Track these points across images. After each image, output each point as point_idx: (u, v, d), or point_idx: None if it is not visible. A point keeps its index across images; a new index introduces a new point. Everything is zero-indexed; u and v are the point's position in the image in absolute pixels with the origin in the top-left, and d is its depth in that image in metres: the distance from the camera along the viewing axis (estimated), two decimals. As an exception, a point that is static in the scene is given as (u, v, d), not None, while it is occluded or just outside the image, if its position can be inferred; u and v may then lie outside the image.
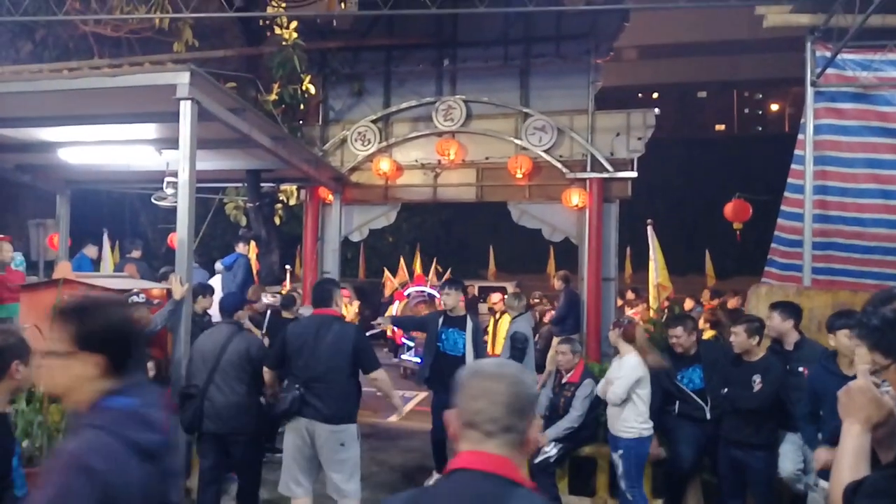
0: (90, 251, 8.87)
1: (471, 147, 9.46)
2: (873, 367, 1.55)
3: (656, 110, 9.16)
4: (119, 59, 9.11)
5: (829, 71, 6.75)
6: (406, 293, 12.85)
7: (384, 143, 9.70)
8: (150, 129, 6.54)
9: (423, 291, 12.98)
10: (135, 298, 4.99)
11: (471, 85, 9.56)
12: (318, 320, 4.70)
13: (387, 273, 13.86)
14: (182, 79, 5.21)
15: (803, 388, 4.58)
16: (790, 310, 5.05)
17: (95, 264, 9.26)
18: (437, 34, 9.61)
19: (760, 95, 45.81)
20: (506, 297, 8.35)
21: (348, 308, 11.58)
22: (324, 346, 4.55)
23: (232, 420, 4.76)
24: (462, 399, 1.56)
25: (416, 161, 9.64)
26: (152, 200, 7.33)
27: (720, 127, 44.75)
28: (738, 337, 4.83)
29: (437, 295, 12.43)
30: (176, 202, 5.63)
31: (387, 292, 13.71)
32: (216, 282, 8.52)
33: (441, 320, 6.22)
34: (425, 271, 14.18)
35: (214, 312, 6.99)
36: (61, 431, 5.32)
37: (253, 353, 4.88)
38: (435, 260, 13.98)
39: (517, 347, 6.57)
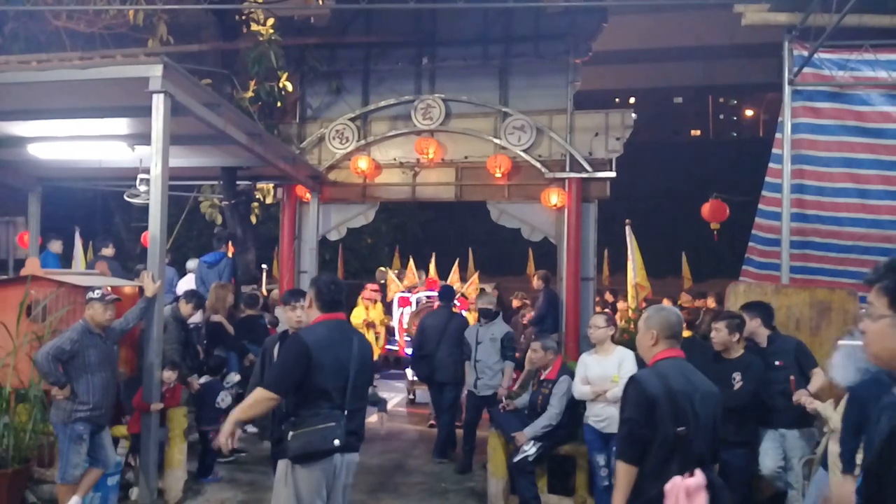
0: (54, 246, 8.67)
1: (450, 146, 9.41)
2: (875, 313, 1.64)
3: (633, 114, 9.18)
4: (92, 52, 8.90)
5: (807, 70, 6.77)
6: (414, 298, 11.01)
7: (362, 142, 9.61)
8: (123, 124, 6.42)
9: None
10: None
11: (450, 83, 9.51)
12: (341, 327, 3.67)
13: (390, 274, 12.31)
14: (155, 71, 5.12)
15: (783, 382, 4.57)
16: (757, 309, 5.03)
17: (62, 259, 9.04)
18: (415, 32, 9.56)
19: (735, 101, 46.41)
20: (478, 297, 8.49)
21: (373, 309, 10.43)
22: (353, 360, 3.55)
23: (449, 372, 7.03)
24: (661, 324, 3.08)
25: (395, 160, 9.57)
26: (125, 197, 7.16)
27: (696, 132, 45.26)
28: (720, 333, 4.79)
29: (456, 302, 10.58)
30: (149, 199, 5.52)
31: (389, 296, 11.69)
32: (188, 281, 8.38)
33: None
34: (442, 274, 11.69)
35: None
36: (27, 432, 5.19)
37: (463, 328, 7.10)
38: (457, 262, 12.02)
39: (511, 347, 6.84)
